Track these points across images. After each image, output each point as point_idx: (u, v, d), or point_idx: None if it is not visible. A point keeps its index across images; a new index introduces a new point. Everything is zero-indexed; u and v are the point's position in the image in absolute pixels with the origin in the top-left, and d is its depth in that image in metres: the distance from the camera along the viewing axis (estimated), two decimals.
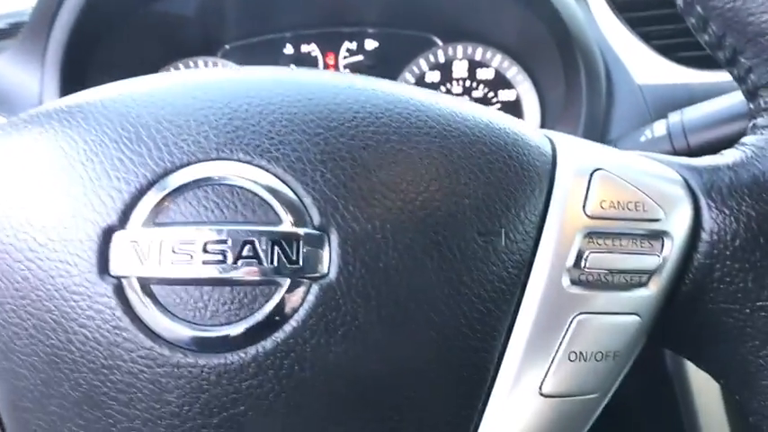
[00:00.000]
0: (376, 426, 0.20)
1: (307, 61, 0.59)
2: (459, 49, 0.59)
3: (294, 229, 0.19)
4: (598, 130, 0.48)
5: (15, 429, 0.20)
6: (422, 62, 0.59)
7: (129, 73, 0.50)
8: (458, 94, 0.59)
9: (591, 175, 0.21)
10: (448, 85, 0.59)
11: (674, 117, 0.39)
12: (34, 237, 0.20)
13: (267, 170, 0.19)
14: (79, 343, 0.19)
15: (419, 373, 0.20)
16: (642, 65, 0.48)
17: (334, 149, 0.20)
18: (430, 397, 0.20)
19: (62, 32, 0.48)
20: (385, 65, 0.60)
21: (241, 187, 0.19)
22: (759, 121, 0.23)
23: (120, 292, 0.19)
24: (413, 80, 0.59)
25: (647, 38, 0.49)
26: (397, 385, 0.20)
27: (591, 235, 0.21)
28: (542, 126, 0.57)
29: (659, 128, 0.39)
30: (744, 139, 0.23)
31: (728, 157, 0.22)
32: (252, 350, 0.18)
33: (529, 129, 0.22)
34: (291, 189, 0.19)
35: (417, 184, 0.20)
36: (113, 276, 0.19)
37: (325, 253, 0.19)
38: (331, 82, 0.22)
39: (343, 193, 0.19)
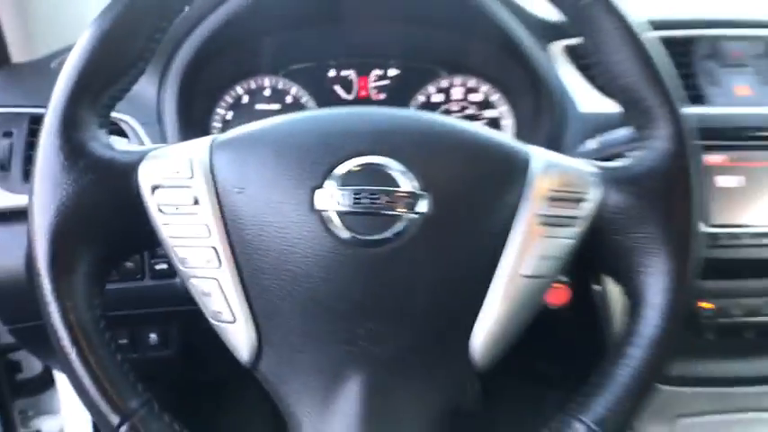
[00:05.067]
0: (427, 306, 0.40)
1: (345, 83, 0.79)
2: (458, 79, 0.80)
3: (408, 190, 0.39)
4: (555, 142, 0.70)
5: (255, 285, 0.40)
6: (430, 87, 0.80)
7: (219, 86, 0.75)
8: (455, 112, 0.81)
9: (549, 168, 0.42)
10: (448, 105, 0.80)
11: (602, 136, 0.62)
12: (271, 196, 0.40)
13: (395, 159, 0.40)
14: (296, 247, 0.39)
15: (456, 274, 0.40)
16: (587, 99, 0.70)
17: (423, 152, 0.41)
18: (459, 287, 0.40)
19: (187, 55, 0.67)
20: (403, 88, 0.80)
21: (382, 170, 0.40)
22: (637, 145, 0.45)
23: (320, 218, 0.39)
24: (423, 100, 0.80)
25: (592, 80, 0.71)
26: (450, 282, 0.40)
27: (550, 198, 0.42)
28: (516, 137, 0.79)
29: (592, 143, 0.61)
30: (631, 153, 0.45)
31: (622, 162, 0.44)
32: (385, 247, 0.39)
33: (516, 141, 0.44)
34: (405, 170, 0.40)
35: (462, 169, 0.41)
36: (316, 210, 0.39)
37: (424, 202, 0.39)
38: (413, 116, 0.43)
39: (431, 172, 0.40)
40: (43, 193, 0.41)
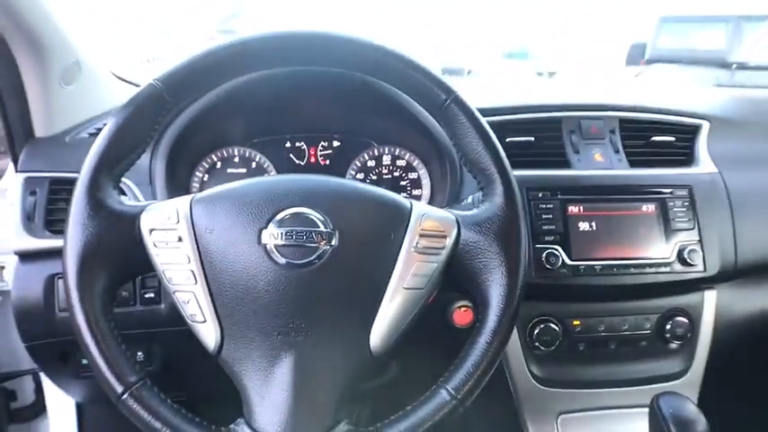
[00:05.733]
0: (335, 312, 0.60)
1: (299, 152, 1.01)
2: (387, 149, 1.02)
3: (324, 229, 0.60)
4: (455, 196, 0.92)
5: (219, 295, 0.60)
6: (365, 155, 1.02)
7: (198, 154, 0.99)
8: (386, 173, 1.02)
9: (423, 215, 0.63)
10: (380, 168, 1.02)
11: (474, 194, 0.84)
12: (231, 235, 0.60)
13: (316, 210, 0.60)
14: (248, 269, 0.59)
15: (359, 286, 0.60)
16: None
17: (335, 204, 0.61)
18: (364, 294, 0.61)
19: (173, 134, 0.88)
20: (344, 156, 1.02)
21: (306, 216, 0.60)
22: (483, 199, 0.66)
23: (264, 249, 0.59)
24: (360, 165, 1.02)
25: None
26: (354, 289, 0.60)
27: (423, 236, 0.62)
28: (431, 192, 1.01)
29: (469, 198, 0.83)
30: (480, 205, 0.66)
31: (474, 211, 0.65)
32: (308, 268, 0.59)
33: (402, 198, 0.65)
34: (322, 217, 0.60)
35: (362, 216, 0.61)
36: (262, 244, 0.59)
37: (335, 238, 0.60)
38: (329, 181, 0.63)
39: (340, 218, 0.61)
40: (74, 234, 0.60)
